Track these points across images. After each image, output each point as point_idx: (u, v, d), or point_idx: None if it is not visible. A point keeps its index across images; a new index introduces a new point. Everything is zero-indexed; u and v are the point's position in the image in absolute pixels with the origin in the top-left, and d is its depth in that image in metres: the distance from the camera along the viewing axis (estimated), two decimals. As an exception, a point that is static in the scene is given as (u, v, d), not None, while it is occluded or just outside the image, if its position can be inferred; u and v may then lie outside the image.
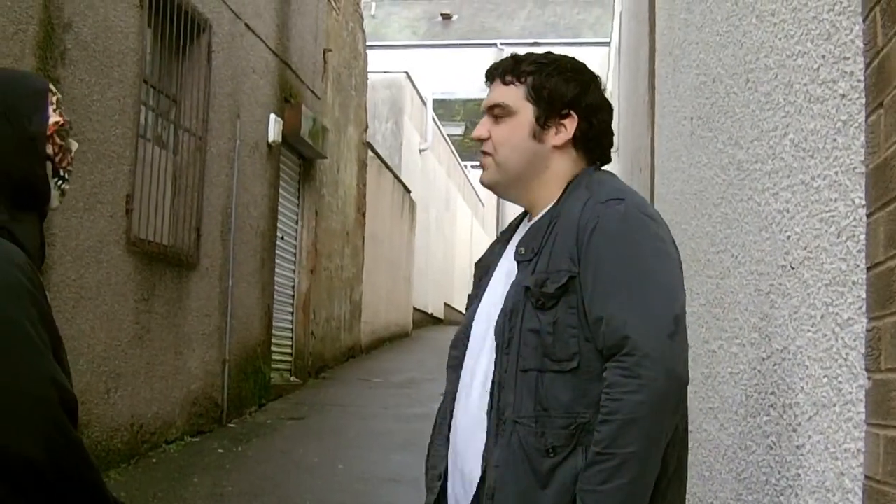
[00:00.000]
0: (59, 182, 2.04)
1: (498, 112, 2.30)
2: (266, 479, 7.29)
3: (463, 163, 30.53)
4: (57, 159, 2.02)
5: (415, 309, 22.16)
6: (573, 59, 2.37)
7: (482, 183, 2.38)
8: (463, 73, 37.38)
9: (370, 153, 16.50)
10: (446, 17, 41.96)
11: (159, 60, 8.30)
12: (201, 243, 8.73)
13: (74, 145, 2.08)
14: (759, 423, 2.62)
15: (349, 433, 9.22)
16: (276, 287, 11.19)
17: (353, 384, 12.76)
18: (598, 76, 2.39)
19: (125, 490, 6.56)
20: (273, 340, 11.05)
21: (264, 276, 10.60)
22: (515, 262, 2.21)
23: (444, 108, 32.26)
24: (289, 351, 12.03)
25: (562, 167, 2.28)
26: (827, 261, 2.08)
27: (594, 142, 2.30)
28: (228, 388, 9.40)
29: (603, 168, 2.35)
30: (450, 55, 38.05)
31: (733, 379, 2.95)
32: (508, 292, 2.18)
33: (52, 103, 2.01)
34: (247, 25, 9.80)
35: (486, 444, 2.14)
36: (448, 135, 28.50)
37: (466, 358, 2.29)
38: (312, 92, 12.39)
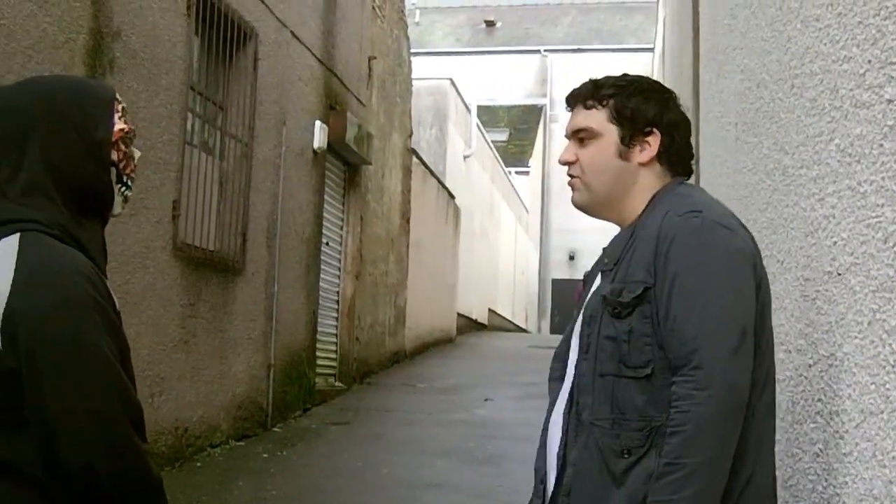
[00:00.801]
0: (123, 188, 2.08)
1: (583, 135, 2.38)
2: (310, 483, 7.35)
3: (507, 169, 30.50)
4: (121, 166, 2.06)
5: (459, 314, 22.16)
6: (649, 78, 2.47)
7: (574, 204, 2.46)
8: (507, 79, 37.43)
9: (415, 159, 16.55)
10: (490, 23, 42.02)
11: (206, 68, 8.39)
12: (247, 249, 8.80)
13: (138, 153, 2.13)
14: (806, 431, 2.60)
15: (393, 438, 9.24)
16: (321, 292, 11.25)
17: (398, 389, 12.79)
18: (674, 93, 2.46)
19: (170, 493, 6.54)
20: (318, 345, 11.10)
21: (309, 282, 10.67)
22: (601, 273, 2.34)
23: (488, 115, 32.23)
24: (333, 356, 12.08)
25: (648, 182, 2.36)
26: (874, 267, 2.07)
27: (676, 156, 2.39)
28: (273, 392, 9.46)
29: (687, 182, 2.43)
30: (493, 62, 38.07)
31: (779, 385, 2.91)
32: (589, 300, 2.31)
33: (118, 111, 2.06)
34: (292, 34, 9.88)
35: (564, 444, 2.26)
36: (492, 141, 28.49)
37: (569, 366, 2.37)
38: (357, 99, 12.46)
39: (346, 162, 12.31)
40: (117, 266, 6.52)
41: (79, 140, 1.97)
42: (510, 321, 30.50)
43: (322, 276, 11.32)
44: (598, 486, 2.17)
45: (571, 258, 35.72)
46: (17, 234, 1.87)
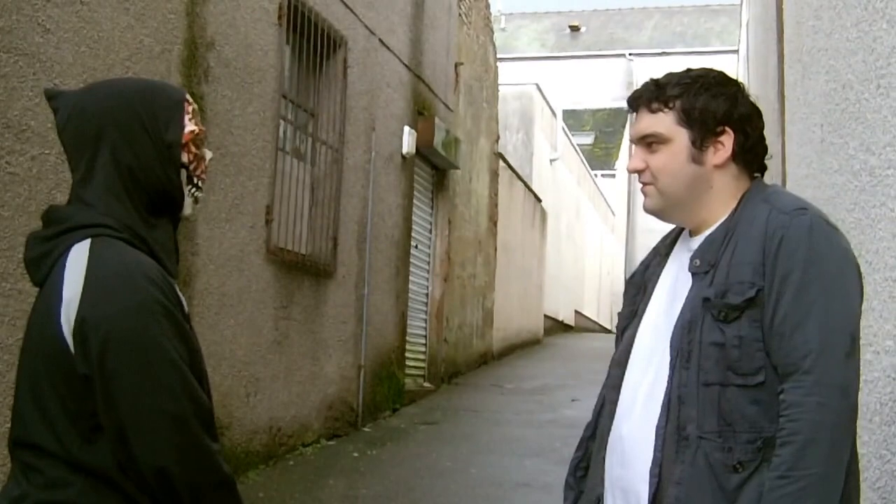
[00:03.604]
0: (193, 190, 2.09)
1: (651, 141, 2.25)
2: (399, 482, 7.41)
3: (593, 172, 30.38)
4: (191, 167, 2.07)
5: (546, 316, 22.13)
6: (714, 70, 2.30)
7: (646, 210, 2.34)
8: (592, 83, 37.27)
9: (501, 163, 16.59)
10: (575, 28, 41.85)
11: (297, 76, 8.54)
12: (338, 252, 8.93)
13: (209, 154, 2.14)
14: (895, 432, 2.60)
15: (481, 438, 9.27)
16: (410, 294, 11.36)
17: (486, 390, 12.81)
18: (742, 83, 2.33)
19: (263, 491, 6.77)
20: (407, 346, 11.21)
21: (399, 284, 10.79)
22: (690, 275, 2.19)
23: (574, 119, 32.13)
24: (422, 357, 12.18)
25: (725, 184, 2.23)
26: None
27: (751, 153, 2.25)
28: (363, 392, 9.58)
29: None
30: (578, 66, 37.94)
31: (867, 387, 2.91)
32: (684, 305, 2.15)
33: (189, 113, 2.07)
34: (381, 41, 10.01)
35: (658, 461, 2.10)
36: (578, 145, 28.40)
37: (628, 374, 2.27)
38: (445, 104, 12.56)
39: (434, 166, 12.42)
40: (214, 269, 6.70)
41: (150, 141, 1.99)
42: (596, 322, 30.34)
43: (411, 278, 11.42)
44: None
45: (657, 259, 35.25)
46: (89, 240, 1.90)
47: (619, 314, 2.44)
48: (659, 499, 2.09)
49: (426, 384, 12.09)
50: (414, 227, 11.51)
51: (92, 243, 1.90)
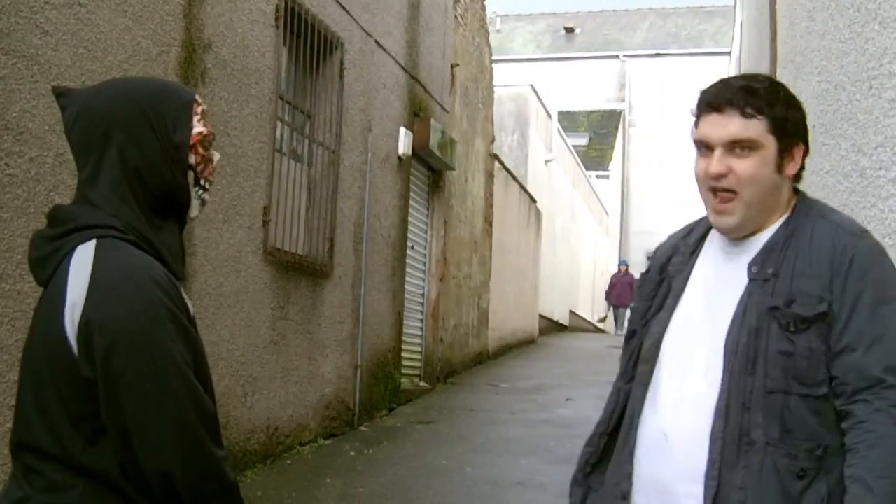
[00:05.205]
0: (200, 191, 2.07)
1: (742, 145, 2.20)
2: (396, 481, 7.43)
3: (587, 173, 30.43)
4: (199, 169, 2.05)
5: (541, 316, 22.17)
6: (780, 82, 2.33)
7: (724, 229, 2.28)
8: (586, 84, 37.36)
9: (497, 164, 16.62)
10: (569, 30, 41.90)
11: (294, 77, 8.55)
12: (335, 253, 8.96)
13: (217, 156, 2.11)
14: None
15: (477, 438, 9.30)
16: (406, 295, 11.39)
17: (481, 389, 12.83)
18: None
19: (261, 490, 6.79)
20: (403, 346, 11.24)
21: (395, 285, 10.82)
22: (727, 276, 2.22)
23: (569, 120, 32.16)
24: (418, 357, 12.21)
25: (786, 194, 2.26)
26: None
27: (803, 166, 2.30)
28: (360, 392, 9.60)
29: None
30: (573, 67, 38.01)
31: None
32: (746, 311, 2.16)
33: (198, 114, 2.04)
34: (377, 43, 10.04)
35: (717, 464, 2.12)
36: (572, 145, 28.46)
37: (662, 373, 2.28)
38: (441, 106, 12.60)
39: (430, 167, 12.45)
40: (211, 270, 6.72)
41: (157, 142, 1.97)
42: (590, 322, 30.39)
43: (407, 278, 11.45)
44: None
45: (649, 259, 35.35)
46: (94, 241, 1.89)
47: (633, 308, 2.45)
48: (718, 503, 2.11)
49: (422, 384, 12.13)
50: (410, 227, 11.53)
51: (97, 244, 1.88)
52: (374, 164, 9.95)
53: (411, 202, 11.58)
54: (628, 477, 2.26)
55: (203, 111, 2.07)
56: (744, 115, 2.18)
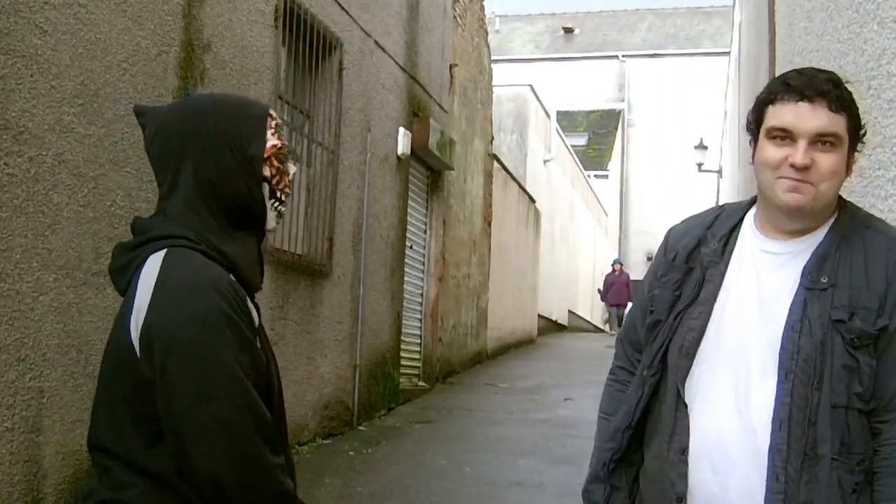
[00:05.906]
0: (276, 204, 2.11)
1: (828, 140, 2.13)
2: (395, 481, 7.43)
3: (586, 173, 30.46)
4: (274, 181, 2.09)
5: (540, 316, 22.21)
6: None
7: (792, 205, 2.16)
8: (585, 85, 37.46)
9: (496, 164, 16.64)
10: (568, 30, 42.00)
11: (293, 78, 8.55)
12: (334, 253, 8.96)
13: (293, 169, 2.15)
14: None
15: (476, 437, 9.30)
16: (405, 295, 11.40)
17: (480, 389, 12.84)
18: None
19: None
20: (402, 346, 11.25)
21: (394, 285, 10.83)
22: (804, 288, 2.15)
23: (567, 120, 32.22)
24: (417, 356, 12.22)
25: (837, 196, 2.23)
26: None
27: None
28: (359, 392, 9.61)
29: None
30: (572, 68, 38.11)
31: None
32: (811, 323, 2.12)
33: (271, 127, 2.09)
34: (376, 43, 10.04)
35: (782, 478, 2.08)
36: (571, 145, 28.50)
37: (707, 373, 2.23)
38: (440, 106, 12.61)
39: (429, 167, 12.46)
40: (211, 269, 6.72)
41: (231, 156, 2.02)
42: (589, 322, 30.42)
43: (406, 278, 11.46)
44: None
45: (649, 259, 35.45)
46: (164, 251, 1.94)
47: (655, 297, 2.36)
48: None
49: (421, 384, 12.14)
50: (409, 227, 11.54)
51: (167, 253, 1.94)
52: (373, 165, 9.96)
53: (410, 202, 11.58)
54: (683, 477, 2.20)
55: (277, 125, 2.12)
56: (832, 109, 2.12)
